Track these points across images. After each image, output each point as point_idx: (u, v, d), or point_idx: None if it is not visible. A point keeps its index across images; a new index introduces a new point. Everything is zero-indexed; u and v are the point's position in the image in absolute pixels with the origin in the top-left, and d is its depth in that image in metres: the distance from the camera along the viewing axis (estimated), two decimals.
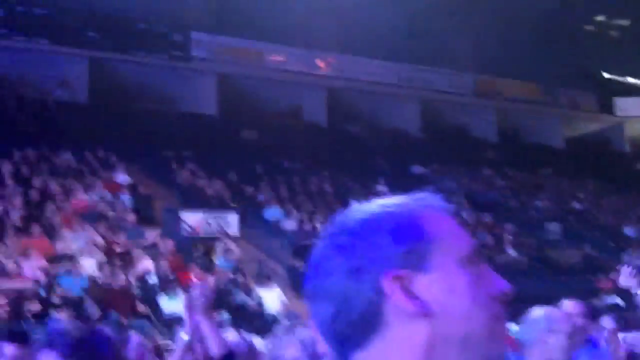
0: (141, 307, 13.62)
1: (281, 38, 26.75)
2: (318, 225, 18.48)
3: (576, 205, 25.23)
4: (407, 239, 1.13)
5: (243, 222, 18.46)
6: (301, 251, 17.23)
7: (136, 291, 13.97)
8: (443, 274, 1.13)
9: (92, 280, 13.54)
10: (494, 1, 27.99)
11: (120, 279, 13.64)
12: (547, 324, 3.15)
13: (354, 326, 1.13)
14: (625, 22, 33.41)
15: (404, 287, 1.11)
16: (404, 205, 1.18)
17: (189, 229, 17.67)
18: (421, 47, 29.31)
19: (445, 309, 1.12)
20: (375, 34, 27.22)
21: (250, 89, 26.30)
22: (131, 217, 16.84)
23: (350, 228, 1.16)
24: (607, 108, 33.97)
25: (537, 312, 3.27)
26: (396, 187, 23.02)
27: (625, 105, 34.02)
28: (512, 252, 20.36)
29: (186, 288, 14.42)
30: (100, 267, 14.03)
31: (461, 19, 28.81)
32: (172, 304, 13.84)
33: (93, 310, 12.65)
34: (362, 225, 1.15)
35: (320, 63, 28.11)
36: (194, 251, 16.60)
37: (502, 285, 1.17)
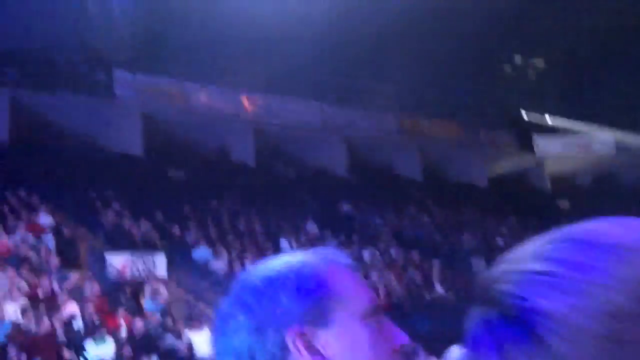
0: (67, 353, 13.20)
1: (206, 77, 26.70)
2: (248, 265, 18.33)
3: (499, 242, 25.67)
4: (309, 296, 1.14)
5: (171, 263, 18.17)
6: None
7: (61, 337, 13.53)
8: (344, 330, 1.14)
9: (16, 326, 13.07)
10: (416, 43, 28.57)
11: (45, 324, 13.22)
12: None
13: None
14: (542, 63, 34.54)
15: (307, 344, 1.12)
16: (307, 261, 1.19)
17: (115, 271, 17.28)
18: (345, 87, 29.71)
19: None
20: (300, 74, 27.44)
21: (176, 128, 26.08)
22: (55, 260, 16.37)
23: (253, 286, 1.17)
24: (527, 147, 34.88)
25: (456, 350, 3.22)
26: (325, 226, 23.13)
27: (544, 144, 35.01)
28: (439, 288, 20.56)
29: (113, 332, 14.08)
30: (24, 312, 13.55)
31: (384, 60, 29.31)
32: (98, 349, 13.47)
33: (17, 357, 12.19)
34: (265, 283, 1.16)
35: (246, 102, 28.13)
36: (121, 294, 16.21)
37: (402, 338, 1.19)
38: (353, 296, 1.17)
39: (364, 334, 1.15)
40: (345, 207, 25.30)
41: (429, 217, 26.30)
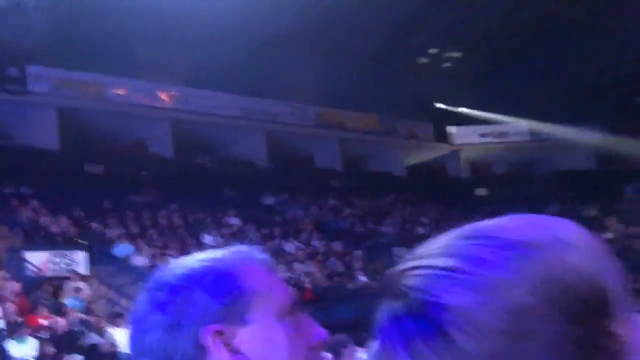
0: None
1: (122, 70, 26.31)
2: (170, 260, 18.19)
3: (420, 230, 26.11)
4: (225, 293, 1.13)
5: (92, 259, 17.88)
6: None
7: None
8: (262, 327, 1.14)
9: None
10: (333, 35, 28.76)
11: None
12: None
13: None
14: (457, 54, 35.12)
15: (224, 342, 1.11)
16: (222, 259, 1.18)
17: (34, 269, 16.90)
18: (263, 79, 29.65)
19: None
20: (218, 66, 27.27)
21: (93, 122, 25.61)
22: None
23: (168, 283, 1.15)
24: (442, 137, 35.52)
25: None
26: (247, 218, 23.11)
27: (460, 134, 35.74)
28: (362, 277, 20.80)
29: (35, 331, 13.79)
30: None
31: (302, 52, 29.37)
32: (20, 349, 13.17)
33: None
34: (180, 281, 1.14)
35: (164, 96, 27.83)
36: (42, 292, 15.88)
37: (321, 333, 1.20)
38: (270, 293, 1.17)
39: (281, 331, 1.15)
40: (267, 200, 25.33)
41: (350, 208, 26.55)
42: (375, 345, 0.73)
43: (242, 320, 1.13)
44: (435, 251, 0.72)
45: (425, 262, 0.71)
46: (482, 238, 0.71)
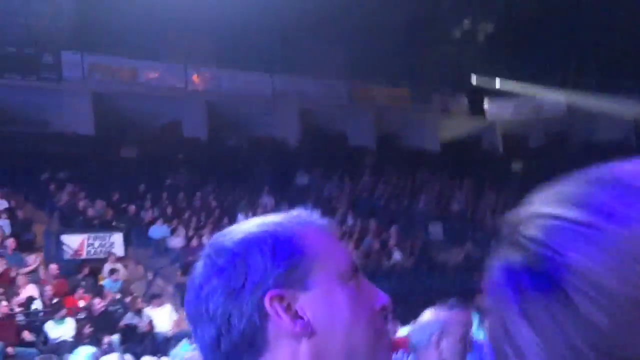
0: (27, 335, 13.16)
1: (154, 54, 26.50)
2: (206, 241, 18.36)
3: (455, 206, 26.01)
4: (286, 258, 1.12)
5: (128, 241, 18.15)
6: (190, 268, 17.10)
7: (20, 319, 13.48)
8: (324, 292, 1.13)
9: None
10: (363, 9, 28.58)
11: (3, 307, 13.14)
12: (439, 326, 3.09)
13: (236, 348, 1.11)
14: (491, 25, 34.73)
15: (286, 307, 1.11)
16: (282, 223, 1.17)
17: (71, 251, 17.20)
18: (294, 57, 29.61)
19: (328, 326, 1.12)
20: (248, 46, 27.32)
21: (127, 106, 25.83)
22: (10, 243, 16.24)
23: (228, 248, 1.14)
24: (478, 111, 35.21)
25: (429, 314, 3.19)
26: (281, 197, 23.19)
27: (495, 107, 35.40)
28: (397, 255, 20.82)
29: (73, 312, 14.06)
30: None
31: (332, 28, 29.25)
32: (58, 330, 13.45)
33: None
34: (241, 246, 1.14)
35: (195, 77, 27.98)
36: (79, 275, 16.16)
37: (383, 299, 1.19)
38: (331, 257, 1.16)
39: (343, 296, 1.14)
40: (300, 178, 25.37)
41: (384, 185, 26.50)
42: (484, 300, 0.65)
43: (303, 285, 1.12)
44: (563, 198, 0.62)
45: (550, 210, 0.62)
46: (619, 186, 0.60)
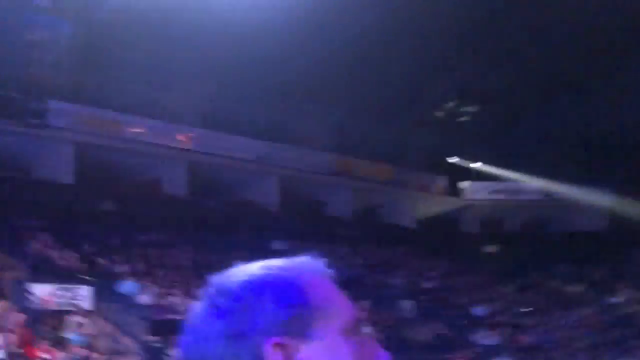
0: None
1: (141, 110, 26.61)
2: (176, 300, 18.17)
3: (428, 284, 26.00)
4: (290, 305, 1.07)
5: (97, 295, 17.89)
6: (158, 327, 16.86)
7: None
8: (326, 345, 1.06)
9: None
10: (350, 85, 28.99)
11: None
12: None
13: None
14: (473, 109, 35.26)
15: (287, 357, 1.04)
16: (288, 269, 1.12)
17: (39, 301, 16.93)
18: (280, 125, 29.90)
19: None
20: (235, 110, 27.55)
21: (109, 159, 25.82)
22: None
23: (231, 290, 1.08)
24: (455, 191, 35.52)
25: None
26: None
27: (473, 189, 35.73)
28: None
29: None
30: None
31: (319, 100, 29.63)
32: None
33: None
34: (244, 288, 1.08)
35: (181, 137, 28.06)
36: (45, 325, 15.89)
37: (384, 356, 1.13)
38: (336, 308, 1.10)
39: (346, 350, 1.07)
40: (277, 245, 25.31)
41: (360, 258, 26.49)
42: None
43: (306, 335, 1.06)
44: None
45: None
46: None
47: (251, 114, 28.64)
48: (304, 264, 1.14)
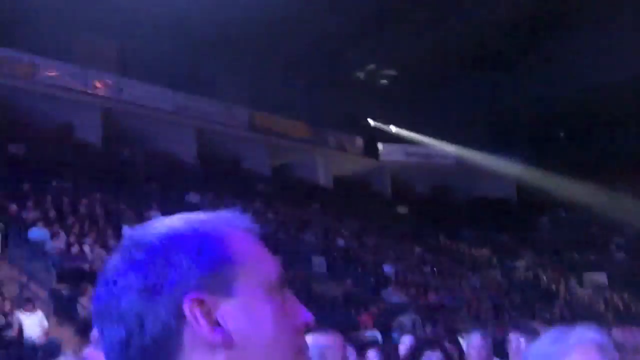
0: None
1: (56, 54, 25.87)
2: (86, 249, 17.94)
3: (340, 242, 26.36)
4: (211, 259, 1.04)
5: (5, 241, 17.51)
6: (67, 275, 16.64)
7: None
8: (248, 302, 1.04)
9: None
10: (272, 41, 28.87)
11: None
12: (318, 351, 3.09)
13: (146, 353, 1.02)
14: (393, 73, 35.63)
15: (206, 313, 1.01)
16: (211, 222, 1.08)
17: None
18: (199, 77, 29.56)
19: (248, 339, 1.03)
20: (154, 59, 27.06)
21: (21, 102, 25.08)
22: None
23: (149, 243, 1.05)
24: (371, 152, 35.97)
25: (308, 339, 3.25)
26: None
27: (388, 151, 36.23)
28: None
29: None
30: None
31: (241, 55, 29.42)
32: None
33: None
34: (164, 241, 1.05)
35: (97, 83, 27.44)
36: None
37: (307, 316, 1.11)
38: (259, 266, 1.07)
39: (268, 309, 1.05)
40: (191, 198, 25.19)
41: (274, 214, 26.62)
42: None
43: (227, 291, 1.03)
44: None
45: None
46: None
47: (171, 65, 28.18)
48: (226, 219, 1.10)
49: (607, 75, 30.93)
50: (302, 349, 1.09)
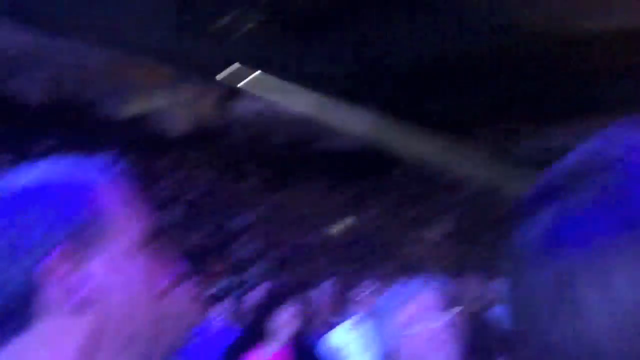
0: None
1: None
2: None
3: (192, 194, 26.40)
4: (76, 214, 0.98)
5: None
6: None
7: None
8: (113, 259, 0.99)
9: None
10: None
11: None
12: None
13: (2, 317, 0.96)
14: (260, 18, 35.11)
15: (66, 272, 0.96)
16: (75, 173, 1.02)
17: None
18: (55, 14, 28.44)
19: (111, 301, 0.98)
20: None
21: None
22: None
23: (5, 197, 0.98)
24: (228, 102, 35.73)
25: None
26: (13, 159, 22.21)
27: (244, 101, 36.09)
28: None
29: None
30: None
31: None
32: None
33: None
34: (23, 193, 0.99)
35: None
36: None
37: (180, 269, 1.07)
38: (129, 219, 1.02)
39: (135, 267, 1.00)
40: (40, 142, 24.53)
41: (126, 163, 26.23)
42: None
43: (94, 247, 0.98)
44: None
45: None
46: None
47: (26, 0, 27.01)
48: (95, 166, 1.05)
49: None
50: (171, 313, 1.05)
